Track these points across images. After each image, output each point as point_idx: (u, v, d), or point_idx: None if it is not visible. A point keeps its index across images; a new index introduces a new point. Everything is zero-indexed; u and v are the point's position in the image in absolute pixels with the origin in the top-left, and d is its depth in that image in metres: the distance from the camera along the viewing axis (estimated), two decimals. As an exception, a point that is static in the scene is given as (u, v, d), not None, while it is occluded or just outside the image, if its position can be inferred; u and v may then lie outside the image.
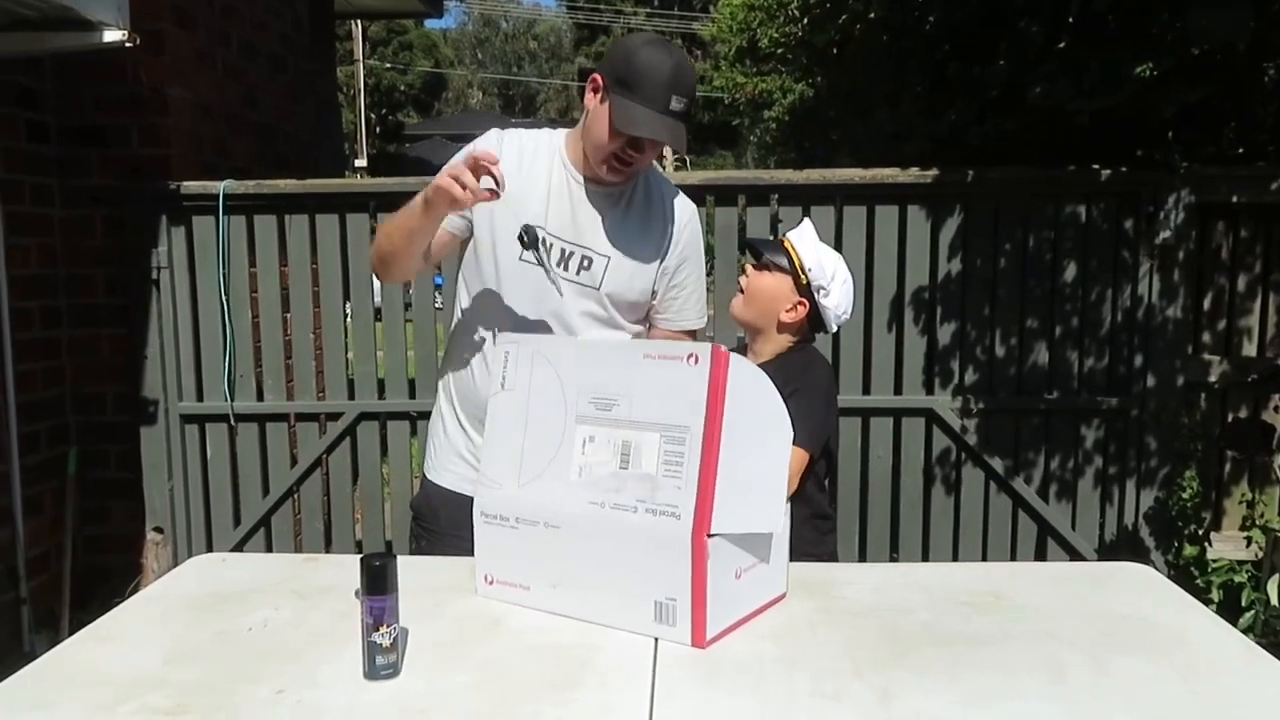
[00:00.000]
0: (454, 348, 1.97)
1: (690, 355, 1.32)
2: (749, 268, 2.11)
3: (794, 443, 1.89)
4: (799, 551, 1.63)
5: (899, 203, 3.30)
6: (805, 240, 2.03)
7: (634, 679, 1.25)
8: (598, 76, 1.80)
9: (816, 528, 2.06)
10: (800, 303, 2.03)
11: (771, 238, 2.12)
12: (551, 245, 1.84)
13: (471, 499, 1.54)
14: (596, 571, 1.39)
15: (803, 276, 2.00)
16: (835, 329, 2.12)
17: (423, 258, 1.89)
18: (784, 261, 2.02)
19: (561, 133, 1.93)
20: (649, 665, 1.28)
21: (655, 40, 1.82)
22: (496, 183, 1.67)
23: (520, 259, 1.83)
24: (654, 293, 1.93)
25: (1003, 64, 3.51)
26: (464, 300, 1.94)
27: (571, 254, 1.86)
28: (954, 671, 1.27)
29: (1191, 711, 1.19)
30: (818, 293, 2.01)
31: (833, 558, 2.12)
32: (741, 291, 2.11)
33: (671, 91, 1.73)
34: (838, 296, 2.03)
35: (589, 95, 1.82)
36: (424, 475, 2.03)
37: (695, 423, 1.30)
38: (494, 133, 1.90)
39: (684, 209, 1.97)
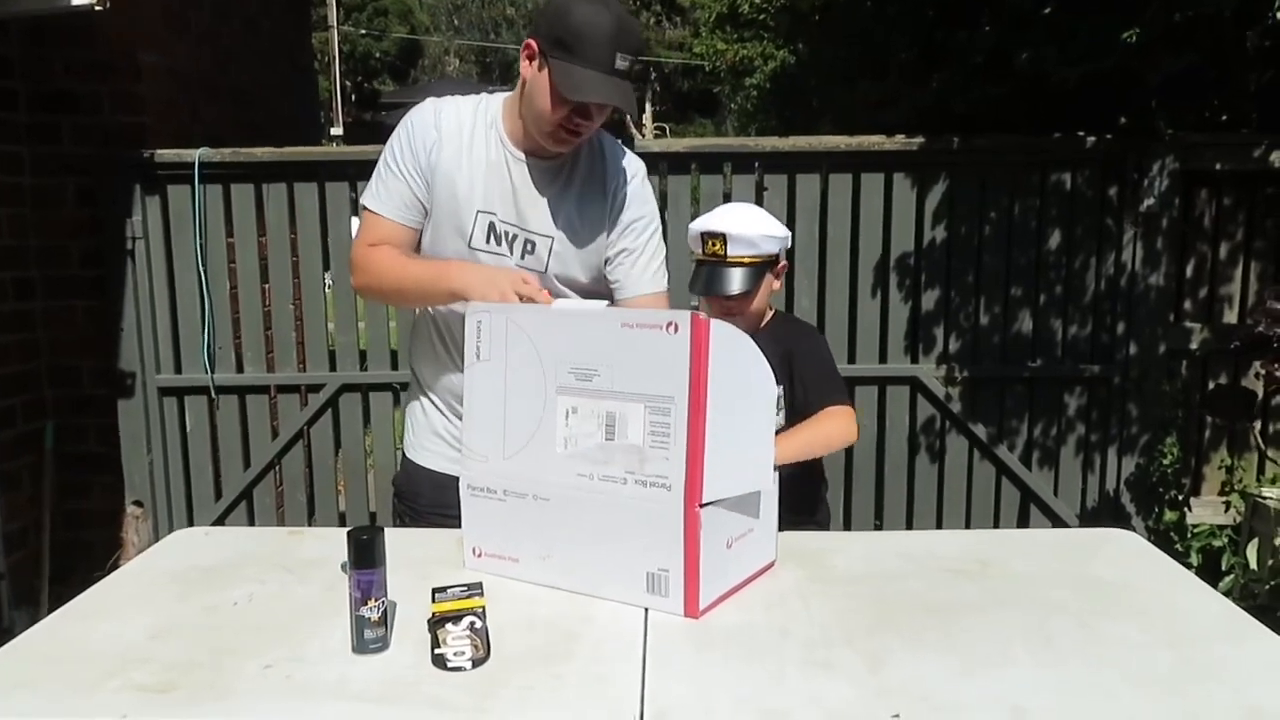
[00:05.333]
0: (419, 331, 1.91)
1: (669, 324, 1.28)
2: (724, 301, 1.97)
3: (839, 401, 1.94)
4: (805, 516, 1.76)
5: (884, 170, 3.28)
6: (759, 241, 1.93)
7: (626, 649, 1.24)
8: (532, 41, 1.66)
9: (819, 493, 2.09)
10: (781, 268, 2.01)
11: (733, 259, 1.95)
12: (494, 227, 1.76)
13: (453, 478, 1.52)
14: (587, 543, 1.38)
15: (774, 257, 1.98)
16: None
17: None
18: (759, 271, 1.94)
19: (498, 100, 1.80)
20: (640, 636, 1.28)
21: None
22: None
23: (470, 246, 1.76)
24: (606, 262, 1.83)
25: (988, 30, 3.48)
26: None
27: (515, 237, 1.77)
28: (944, 639, 1.28)
29: (1180, 674, 1.19)
30: (784, 252, 2.01)
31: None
32: (739, 315, 1.95)
33: (615, 49, 1.60)
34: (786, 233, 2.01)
35: (524, 63, 1.69)
36: (404, 454, 1.98)
37: (679, 393, 1.28)
38: (429, 104, 1.78)
39: (629, 170, 1.84)
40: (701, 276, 1.97)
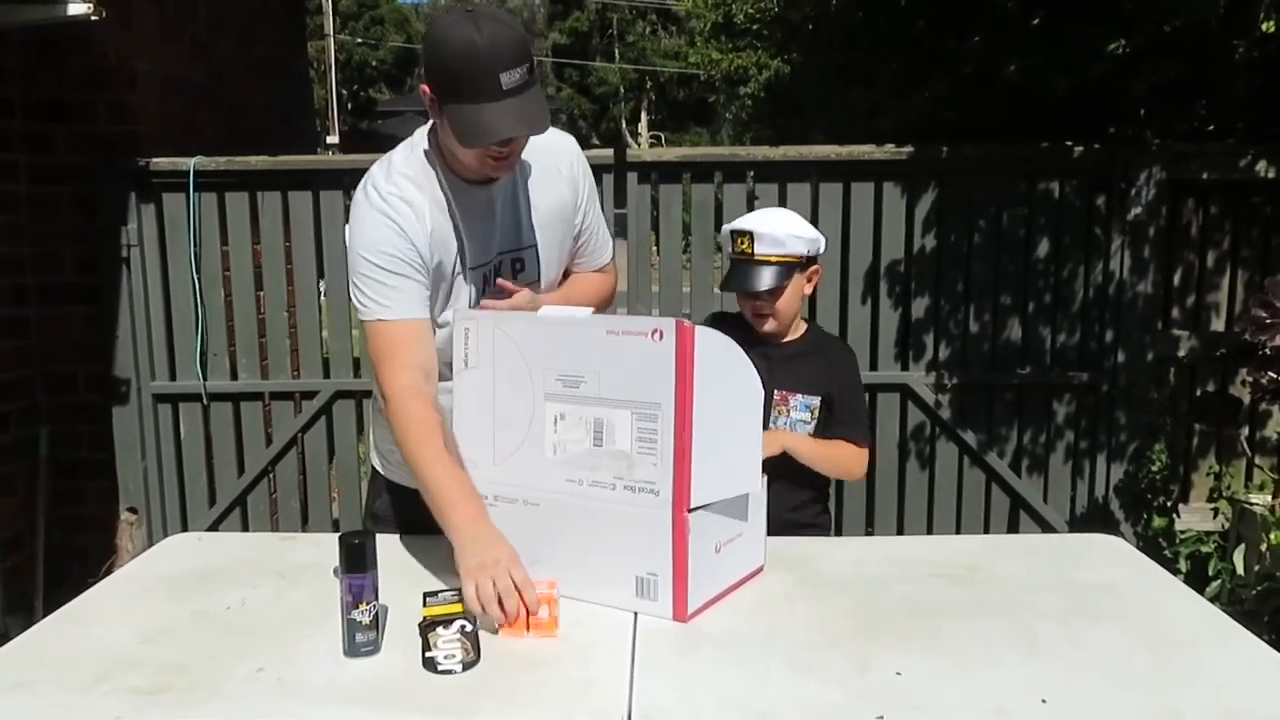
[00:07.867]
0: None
1: (655, 331, 1.30)
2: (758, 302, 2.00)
3: (862, 441, 2.00)
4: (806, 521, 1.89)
5: (874, 179, 3.31)
6: (785, 240, 1.96)
7: (614, 652, 1.26)
8: (425, 89, 1.56)
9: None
10: (814, 272, 2.03)
11: (760, 258, 1.98)
12: (478, 268, 1.68)
13: None
14: (577, 548, 1.39)
15: (804, 259, 1.99)
16: None
17: None
18: (787, 270, 1.96)
19: (422, 143, 1.68)
20: (629, 639, 1.29)
21: (457, 19, 1.50)
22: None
23: (470, 305, 1.66)
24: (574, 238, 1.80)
25: (978, 40, 3.51)
26: None
27: (501, 264, 1.69)
28: (930, 642, 1.29)
29: (1161, 677, 1.21)
30: (818, 256, 2.03)
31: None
32: (768, 315, 1.98)
33: (497, 71, 1.47)
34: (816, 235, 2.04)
35: (430, 109, 1.59)
36: (383, 477, 1.86)
37: (666, 400, 1.30)
38: (391, 202, 1.61)
39: (566, 151, 1.76)
40: (732, 276, 2.01)
